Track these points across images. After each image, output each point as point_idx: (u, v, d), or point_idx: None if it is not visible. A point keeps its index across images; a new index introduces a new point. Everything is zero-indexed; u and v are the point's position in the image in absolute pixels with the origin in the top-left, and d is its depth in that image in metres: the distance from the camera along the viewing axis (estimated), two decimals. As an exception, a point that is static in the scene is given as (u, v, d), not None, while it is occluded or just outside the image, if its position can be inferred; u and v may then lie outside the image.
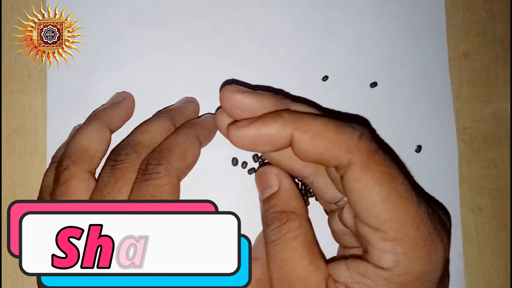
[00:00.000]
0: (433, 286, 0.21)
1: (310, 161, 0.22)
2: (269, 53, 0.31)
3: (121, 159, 0.25)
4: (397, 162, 0.23)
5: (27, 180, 0.31)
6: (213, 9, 0.32)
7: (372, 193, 0.21)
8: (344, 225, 0.25)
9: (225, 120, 0.24)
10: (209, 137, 0.29)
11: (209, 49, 0.31)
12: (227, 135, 0.23)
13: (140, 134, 0.27)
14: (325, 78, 0.31)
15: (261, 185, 0.25)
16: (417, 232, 0.20)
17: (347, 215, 0.24)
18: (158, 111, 0.30)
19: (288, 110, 0.23)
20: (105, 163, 0.26)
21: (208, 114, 0.31)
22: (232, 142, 0.23)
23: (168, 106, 0.30)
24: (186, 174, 0.26)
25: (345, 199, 0.23)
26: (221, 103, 0.24)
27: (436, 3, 0.32)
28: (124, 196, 0.24)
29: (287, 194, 0.24)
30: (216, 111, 0.26)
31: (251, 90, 0.24)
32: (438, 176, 0.31)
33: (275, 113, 0.22)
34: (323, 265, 0.23)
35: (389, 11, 0.32)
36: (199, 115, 0.31)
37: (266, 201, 0.25)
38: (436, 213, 0.22)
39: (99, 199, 0.25)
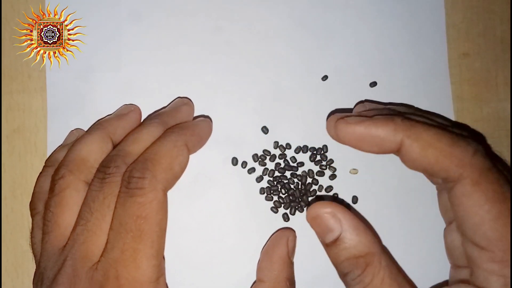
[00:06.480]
0: None
1: (417, 170, 0.22)
2: (269, 53, 0.31)
3: (109, 172, 0.24)
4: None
5: (27, 180, 0.31)
6: (213, 9, 0.32)
7: (481, 210, 0.20)
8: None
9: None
10: (200, 144, 0.28)
11: (208, 49, 0.31)
12: (334, 128, 0.23)
13: (130, 144, 0.25)
14: (325, 78, 0.31)
15: (319, 229, 0.22)
16: None
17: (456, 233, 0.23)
18: (149, 115, 0.30)
19: (401, 116, 0.23)
20: (94, 175, 0.25)
21: (201, 118, 0.30)
22: (338, 136, 0.23)
23: (161, 109, 0.30)
24: (173, 185, 0.25)
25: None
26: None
27: (436, 3, 0.32)
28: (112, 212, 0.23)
29: (354, 236, 0.21)
30: (328, 117, 0.26)
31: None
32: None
33: (387, 117, 0.22)
34: None
35: (389, 11, 0.32)
36: (195, 115, 0.30)
37: (332, 247, 0.22)
38: None
39: (87, 215, 0.23)
